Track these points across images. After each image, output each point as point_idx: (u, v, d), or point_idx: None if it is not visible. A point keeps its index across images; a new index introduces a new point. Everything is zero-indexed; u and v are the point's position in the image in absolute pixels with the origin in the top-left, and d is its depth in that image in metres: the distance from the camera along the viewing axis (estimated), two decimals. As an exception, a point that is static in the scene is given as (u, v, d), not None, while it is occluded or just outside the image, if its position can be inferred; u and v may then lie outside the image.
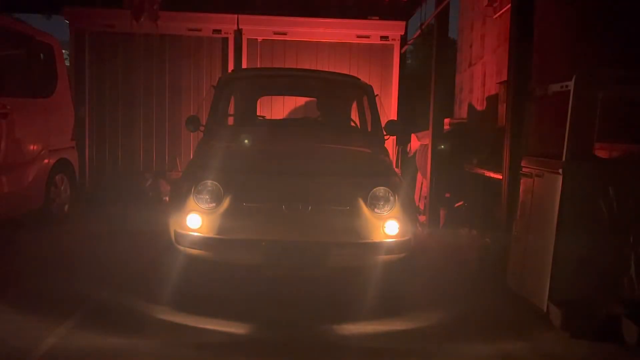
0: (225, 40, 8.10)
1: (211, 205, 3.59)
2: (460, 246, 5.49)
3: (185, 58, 8.09)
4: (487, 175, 5.44)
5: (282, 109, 7.97)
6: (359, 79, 5.50)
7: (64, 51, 6.58)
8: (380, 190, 3.67)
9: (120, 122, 8.04)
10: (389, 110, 8.00)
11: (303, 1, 8.74)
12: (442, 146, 6.74)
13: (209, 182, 3.62)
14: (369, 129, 5.15)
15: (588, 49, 4.86)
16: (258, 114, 6.11)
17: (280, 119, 7.35)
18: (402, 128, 5.96)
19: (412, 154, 8.06)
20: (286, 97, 7.90)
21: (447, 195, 6.69)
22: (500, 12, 7.53)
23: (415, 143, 7.92)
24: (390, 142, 7.44)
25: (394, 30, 8.28)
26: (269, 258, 3.57)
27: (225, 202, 3.58)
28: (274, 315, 3.60)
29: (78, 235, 5.78)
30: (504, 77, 5.40)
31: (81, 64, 7.92)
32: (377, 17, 8.50)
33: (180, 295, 3.75)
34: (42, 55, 6.09)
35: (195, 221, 3.58)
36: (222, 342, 3.20)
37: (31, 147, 5.66)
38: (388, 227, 3.62)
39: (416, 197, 7.59)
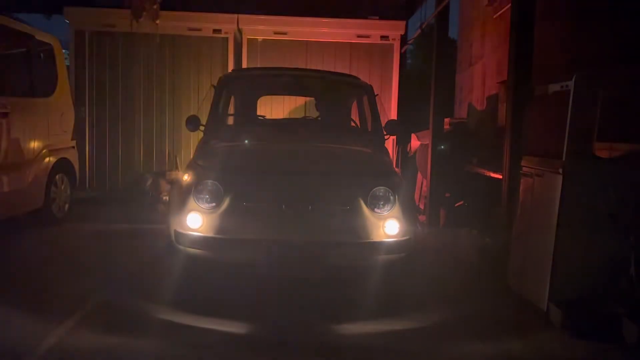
0: (225, 40, 8.09)
1: (211, 204, 3.59)
2: (460, 246, 5.49)
3: (185, 58, 8.08)
4: (487, 175, 5.44)
5: (282, 109, 7.97)
6: (359, 79, 5.50)
7: (64, 51, 6.57)
8: (380, 190, 3.67)
9: (120, 122, 8.03)
10: (389, 110, 8.00)
11: (303, 1, 8.72)
12: (442, 146, 6.74)
13: (209, 182, 3.62)
14: (369, 129, 5.15)
15: (588, 49, 4.86)
16: (258, 113, 6.11)
17: (280, 119, 7.34)
18: (402, 128, 5.95)
19: (412, 154, 8.06)
20: (286, 97, 7.90)
21: (447, 195, 6.69)
22: (500, 12, 7.53)
23: (415, 143, 7.91)
24: (390, 142, 7.44)
25: (394, 30, 8.28)
26: (269, 258, 3.57)
27: (226, 202, 3.58)
28: (274, 315, 3.60)
29: (78, 235, 5.77)
30: (504, 77, 5.40)
31: (81, 64, 7.91)
32: (377, 17, 8.48)
33: (180, 294, 3.76)
34: (42, 54, 6.09)
35: (195, 221, 3.58)
36: (222, 342, 3.19)
37: (31, 147, 5.65)
38: (388, 226, 3.62)
39: (416, 197, 7.59)
